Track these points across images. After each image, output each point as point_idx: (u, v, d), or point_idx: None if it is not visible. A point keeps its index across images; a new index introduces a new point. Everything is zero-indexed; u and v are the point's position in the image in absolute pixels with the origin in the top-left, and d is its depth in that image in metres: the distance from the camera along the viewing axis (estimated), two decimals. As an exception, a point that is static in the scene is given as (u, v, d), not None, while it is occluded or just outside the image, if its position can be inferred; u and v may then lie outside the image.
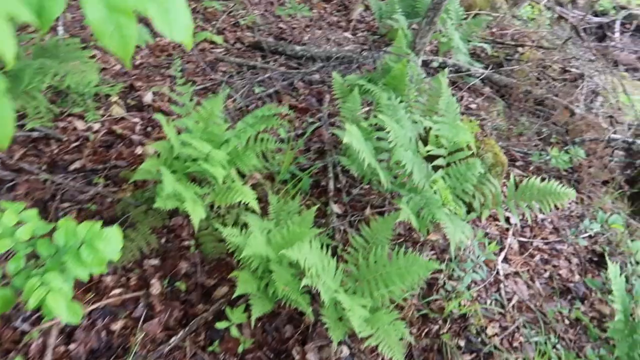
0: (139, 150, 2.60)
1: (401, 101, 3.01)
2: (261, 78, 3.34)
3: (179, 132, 2.33)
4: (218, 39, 3.55)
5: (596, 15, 9.79)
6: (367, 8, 5.03)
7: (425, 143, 2.83)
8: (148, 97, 2.95)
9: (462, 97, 4.18)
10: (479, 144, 3.07)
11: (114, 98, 2.86)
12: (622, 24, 9.23)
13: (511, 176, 2.50)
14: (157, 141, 2.41)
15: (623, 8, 9.89)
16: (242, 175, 2.40)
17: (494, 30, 5.91)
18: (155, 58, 3.37)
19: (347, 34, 4.59)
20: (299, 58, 3.76)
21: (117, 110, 2.80)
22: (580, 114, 4.13)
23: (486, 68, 4.54)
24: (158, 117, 2.07)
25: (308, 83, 3.54)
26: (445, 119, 2.49)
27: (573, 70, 4.70)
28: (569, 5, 9.91)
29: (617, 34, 8.99)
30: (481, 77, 4.14)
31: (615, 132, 4.08)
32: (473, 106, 4.14)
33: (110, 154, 2.54)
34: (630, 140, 4.02)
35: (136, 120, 2.80)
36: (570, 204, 3.48)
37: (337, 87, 2.94)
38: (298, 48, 3.74)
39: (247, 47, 3.75)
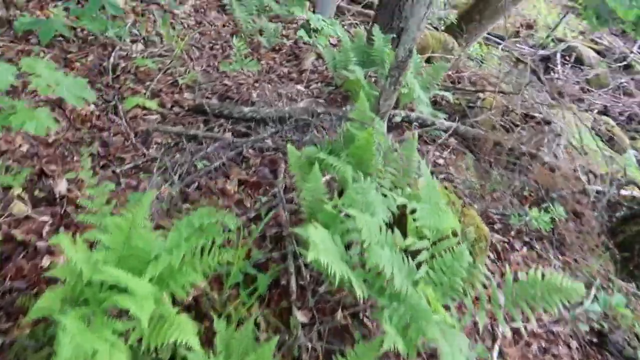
0: (46, 261, 2.04)
1: (368, 174, 2.62)
2: (204, 151, 2.86)
3: (92, 246, 1.81)
4: (152, 104, 3.06)
5: (537, 48, 10.02)
6: (319, 56, 4.68)
7: (399, 222, 2.43)
8: (62, 186, 2.40)
9: (428, 151, 3.85)
10: (459, 216, 2.71)
11: (17, 191, 2.30)
12: (563, 56, 9.47)
13: (507, 271, 2.11)
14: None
15: (560, 40, 10.18)
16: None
17: (449, 72, 5.73)
18: (75, 132, 2.83)
19: (300, 87, 4.21)
20: (248, 121, 3.32)
21: (20, 208, 2.23)
22: (551, 163, 3.89)
23: (449, 117, 4.27)
24: (58, 240, 1.55)
25: (259, 150, 3.10)
26: (426, 205, 2.10)
27: (537, 115, 4.51)
28: (515, 40, 10.11)
29: (559, 66, 9.18)
30: (448, 132, 3.84)
31: (589, 182, 3.86)
32: (441, 161, 3.82)
33: (6, 271, 1.96)
34: (606, 190, 3.80)
35: (45, 218, 2.24)
36: (557, 269, 3.16)
37: (293, 163, 2.50)
38: (246, 110, 3.30)
39: (187, 111, 3.27)
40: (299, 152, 2.54)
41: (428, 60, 5.92)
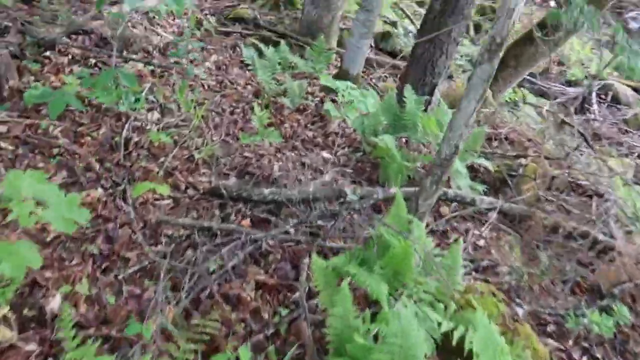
0: (26, 411, 1.73)
1: (404, 284, 2.26)
2: (218, 253, 2.55)
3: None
4: (164, 189, 2.78)
5: (570, 86, 9.55)
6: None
7: (442, 346, 2.07)
8: (55, 303, 2.11)
9: (467, 231, 3.47)
10: (510, 335, 2.31)
11: (3, 310, 2.02)
12: (598, 95, 8.98)
13: None
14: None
15: (594, 77, 9.69)
16: None
17: (484, 127, 5.38)
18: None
19: (326, 154, 3.91)
20: (268, 203, 3.01)
21: (4, 334, 1.95)
22: (606, 243, 3.46)
23: (489, 188, 3.90)
24: None
25: (280, 241, 2.78)
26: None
27: (585, 183, 4.09)
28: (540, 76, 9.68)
29: (594, 106, 8.67)
30: (490, 209, 3.46)
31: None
32: (481, 242, 3.43)
33: None
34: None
35: (31, 347, 1.94)
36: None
37: (319, 276, 2.17)
38: (266, 192, 3.00)
39: (202, 194, 2.99)
40: (325, 262, 2.21)
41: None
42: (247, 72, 4.78)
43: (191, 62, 4.31)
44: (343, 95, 3.68)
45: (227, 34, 5.43)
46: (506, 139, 4.90)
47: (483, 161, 3.95)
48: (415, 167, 3.66)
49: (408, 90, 4.11)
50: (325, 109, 3.66)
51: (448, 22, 4.19)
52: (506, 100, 7.06)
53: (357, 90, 3.72)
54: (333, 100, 4.57)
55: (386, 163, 3.68)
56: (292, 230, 2.81)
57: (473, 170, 4.11)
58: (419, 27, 4.74)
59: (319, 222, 2.90)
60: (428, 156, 3.85)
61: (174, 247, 2.58)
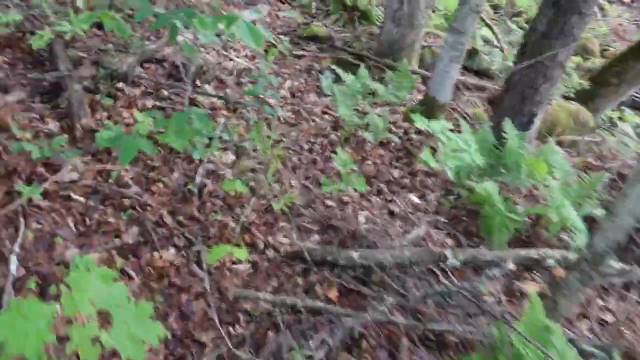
0: None
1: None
2: (304, 332, 2.19)
3: None
4: (242, 253, 2.45)
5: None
6: (434, 150, 3.91)
7: None
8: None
9: (588, 302, 2.91)
10: None
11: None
12: None
13: None
14: None
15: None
16: None
17: (589, 159, 4.71)
18: (148, 293, 2.28)
19: (414, 197, 3.47)
20: (356, 268, 2.62)
21: None
22: None
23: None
24: None
25: (373, 321, 2.37)
26: None
27: None
28: None
29: None
30: (618, 276, 2.88)
31: None
32: (608, 317, 2.86)
33: None
34: None
35: None
36: None
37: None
38: (354, 255, 2.60)
39: (283, 257, 2.64)
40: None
41: (559, 142, 4.93)
42: (323, 98, 4.43)
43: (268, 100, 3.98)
44: (442, 142, 3.20)
45: (301, 56, 5.10)
46: (620, 176, 4.22)
47: (602, 211, 3.34)
48: (523, 221, 3.13)
49: (509, 125, 3.59)
50: (422, 159, 3.20)
51: (554, 45, 3.64)
52: (602, 119, 6.25)
53: (457, 136, 3.23)
54: (419, 132, 4.13)
55: (487, 213, 3.18)
56: (384, 308, 2.39)
57: (589, 221, 3.51)
58: (519, 46, 4.18)
59: (424, 301, 2.47)
60: (537, 207, 3.31)
61: (253, 328, 2.23)
